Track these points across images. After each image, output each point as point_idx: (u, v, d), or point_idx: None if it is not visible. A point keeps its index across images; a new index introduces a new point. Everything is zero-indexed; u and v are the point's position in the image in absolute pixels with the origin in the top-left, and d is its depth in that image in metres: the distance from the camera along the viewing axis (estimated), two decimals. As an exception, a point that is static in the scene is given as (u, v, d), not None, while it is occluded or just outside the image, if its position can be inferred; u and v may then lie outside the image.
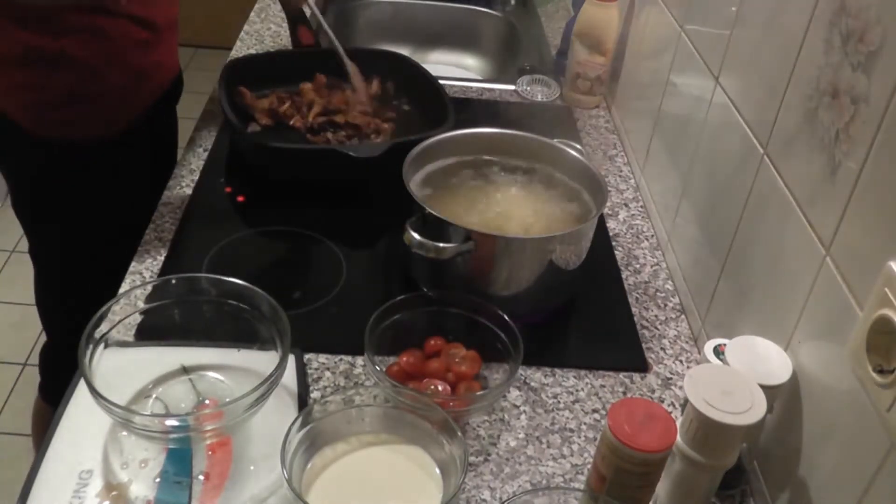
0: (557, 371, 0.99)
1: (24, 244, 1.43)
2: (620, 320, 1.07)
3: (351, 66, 1.40)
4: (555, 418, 0.93)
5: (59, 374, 1.42)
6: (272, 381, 0.81)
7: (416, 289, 1.03)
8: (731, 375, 0.76)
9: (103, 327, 0.85)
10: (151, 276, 1.05)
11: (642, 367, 1.00)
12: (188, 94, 1.54)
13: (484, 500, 0.83)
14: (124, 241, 1.15)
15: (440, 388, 0.89)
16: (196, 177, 1.25)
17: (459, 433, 0.78)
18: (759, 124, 0.91)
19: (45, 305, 1.44)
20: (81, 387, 0.84)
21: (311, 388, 0.93)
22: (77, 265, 1.35)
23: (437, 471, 0.80)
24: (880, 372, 0.64)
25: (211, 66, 1.45)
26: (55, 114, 1.21)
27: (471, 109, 1.48)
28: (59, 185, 1.28)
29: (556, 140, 1.13)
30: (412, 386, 0.87)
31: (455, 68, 1.89)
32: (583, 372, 0.99)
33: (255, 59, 1.44)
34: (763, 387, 0.74)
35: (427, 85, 1.38)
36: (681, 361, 1.02)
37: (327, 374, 0.95)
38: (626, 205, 1.30)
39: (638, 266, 1.17)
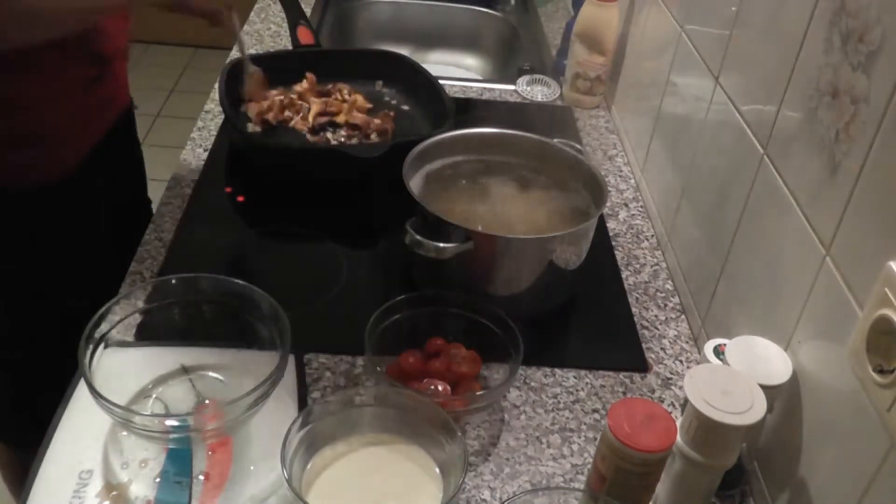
0: (557, 371, 0.99)
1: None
2: (620, 320, 1.07)
3: (254, 70, 1.32)
4: (555, 418, 0.93)
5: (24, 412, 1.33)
6: (272, 381, 0.81)
7: (416, 289, 1.03)
8: (731, 375, 0.76)
9: (103, 327, 0.85)
10: (151, 276, 1.05)
11: (642, 367, 1.00)
12: (188, 93, 1.54)
13: (484, 500, 0.83)
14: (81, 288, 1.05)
15: (440, 388, 0.89)
16: (196, 177, 1.25)
17: (459, 433, 0.78)
18: (759, 124, 0.91)
19: None
20: (81, 387, 0.84)
21: (311, 388, 0.93)
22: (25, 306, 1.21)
23: (437, 471, 0.80)
24: (880, 372, 0.64)
25: (211, 66, 1.45)
26: None
27: (471, 109, 1.48)
28: (10, 235, 1.15)
29: (556, 140, 1.13)
30: (412, 386, 0.87)
31: (455, 68, 1.89)
32: (583, 372, 0.99)
33: (255, 60, 1.44)
34: (763, 387, 0.74)
35: (427, 85, 1.38)
36: (681, 361, 1.02)
37: (327, 374, 0.95)
38: (626, 205, 1.30)
39: (638, 266, 1.17)
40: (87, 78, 1.14)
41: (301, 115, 1.33)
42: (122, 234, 1.24)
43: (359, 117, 1.32)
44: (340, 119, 1.32)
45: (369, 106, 1.37)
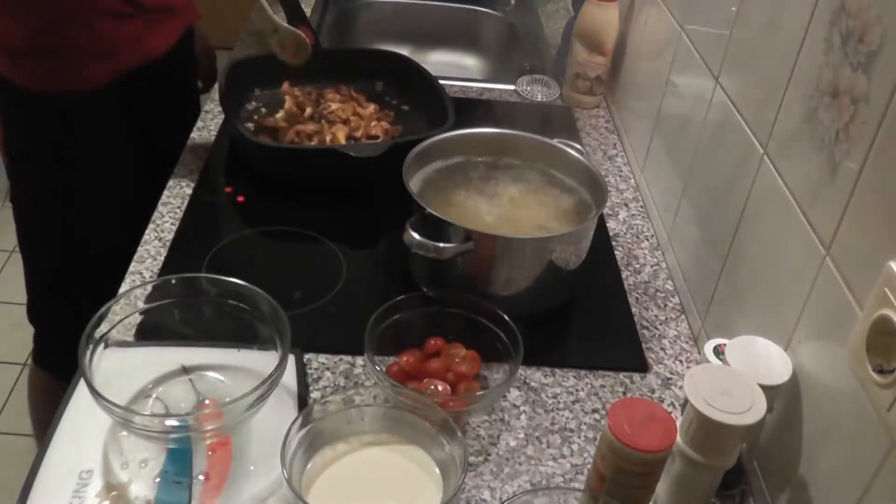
0: (557, 371, 0.99)
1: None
2: (620, 320, 1.07)
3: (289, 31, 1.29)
4: (555, 418, 0.93)
5: (52, 328, 1.42)
6: (272, 381, 0.81)
7: (416, 289, 1.03)
8: (731, 375, 0.76)
9: (103, 327, 0.85)
10: (151, 276, 1.05)
11: (642, 367, 1.00)
12: (188, 94, 1.54)
13: (484, 500, 0.83)
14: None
15: (440, 388, 0.89)
16: (196, 177, 1.25)
17: (459, 433, 0.78)
18: (759, 124, 0.91)
19: (28, 249, 1.41)
20: (81, 387, 0.84)
21: (311, 388, 0.93)
22: (60, 211, 1.34)
23: (437, 471, 0.80)
24: (880, 372, 0.64)
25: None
26: (22, 62, 1.21)
27: (471, 109, 1.48)
28: (40, 138, 1.28)
29: (556, 140, 1.13)
30: (412, 386, 0.87)
31: (455, 68, 1.89)
32: (583, 372, 0.99)
33: (255, 60, 1.44)
34: (763, 387, 0.74)
35: (427, 85, 1.38)
36: (681, 361, 1.02)
37: (327, 374, 0.95)
38: (626, 205, 1.30)
39: (638, 266, 1.17)
40: (116, 12, 1.21)
41: (329, 137, 1.29)
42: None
43: (378, 127, 1.31)
44: (359, 133, 1.31)
45: (375, 111, 1.37)
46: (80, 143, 1.28)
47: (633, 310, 1.09)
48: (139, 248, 1.10)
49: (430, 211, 0.97)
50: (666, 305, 1.11)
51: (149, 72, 1.31)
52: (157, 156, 1.35)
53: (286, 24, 1.28)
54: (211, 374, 0.90)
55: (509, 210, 1.06)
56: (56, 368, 1.42)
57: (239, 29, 1.73)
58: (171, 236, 1.12)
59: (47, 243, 1.36)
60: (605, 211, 1.27)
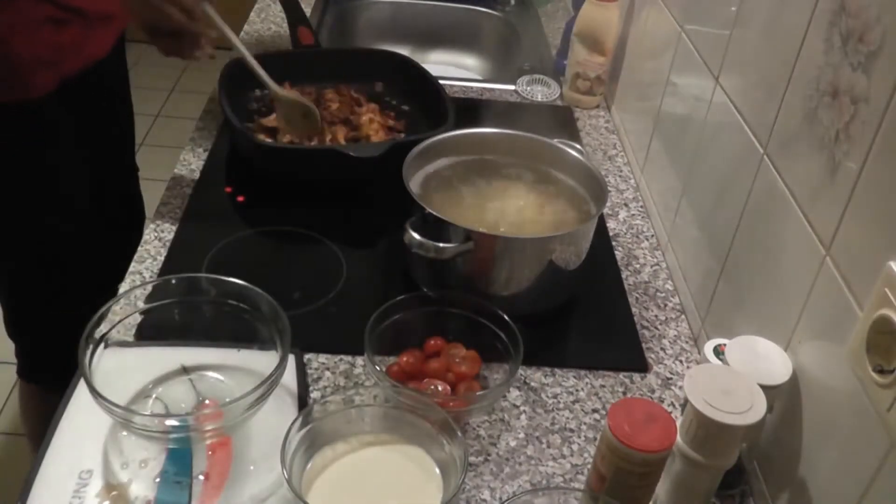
0: (557, 371, 0.99)
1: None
2: (620, 320, 1.07)
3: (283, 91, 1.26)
4: (555, 418, 0.93)
5: (34, 339, 1.43)
6: (272, 381, 0.81)
7: (416, 289, 1.03)
8: (731, 375, 0.76)
9: (103, 327, 0.85)
10: (151, 276, 1.05)
11: (642, 367, 1.00)
12: (188, 93, 1.54)
13: (484, 500, 0.83)
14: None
15: (440, 388, 0.89)
16: (196, 177, 1.25)
17: (459, 433, 0.78)
18: (759, 124, 0.91)
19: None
20: (81, 387, 0.84)
21: (311, 388, 0.93)
22: (23, 220, 1.32)
23: (437, 471, 0.80)
24: (880, 372, 0.64)
25: (211, 66, 1.45)
26: None
27: (471, 109, 1.48)
28: None
29: (556, 140, 1.13)
30: (412, 386, 0.87)
31: (455, 68, 1.89)
32: (583, 372, 0.99)
33: (255, 60, 1.44)
34: (763, 387, 0.74)
35: (427, 85, 1.38)
36: (681, 361, 1.02)
37: (327, 374, 0.95)
38: (626, 205, 1.30)
39: (638, 266, 1.17)
40: (52, 19, 1.19)
41: (329, 137, 1.29)
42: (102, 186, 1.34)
43: (378, 127, 1.31)
44: (359, 133, 1.31)
45: (375, 111, 1.37)
46: (33, 150, 1.27)
47: (633, 310, 1.09)
48: (139, 248, 1.10)
49: (430, 211, 0.97)
50: (666, 305, 1.11)
51: (90, 76, 1.30)
52: (106, 158, 1.36)
53: (286, 92, 1.26)
54: (211, 374, 0.90)
55: (509, 210, 1.06)
56: (44, 379, 1.42)
57: (238, 28, 1.72)
58: (171, 236, 1.12)
59: (17, 253, 1.34)
60: (605, 211, 1.27)
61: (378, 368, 0.86)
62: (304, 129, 1.25)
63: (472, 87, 1.60)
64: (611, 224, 1.25)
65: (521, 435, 0.90)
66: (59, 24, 1.21)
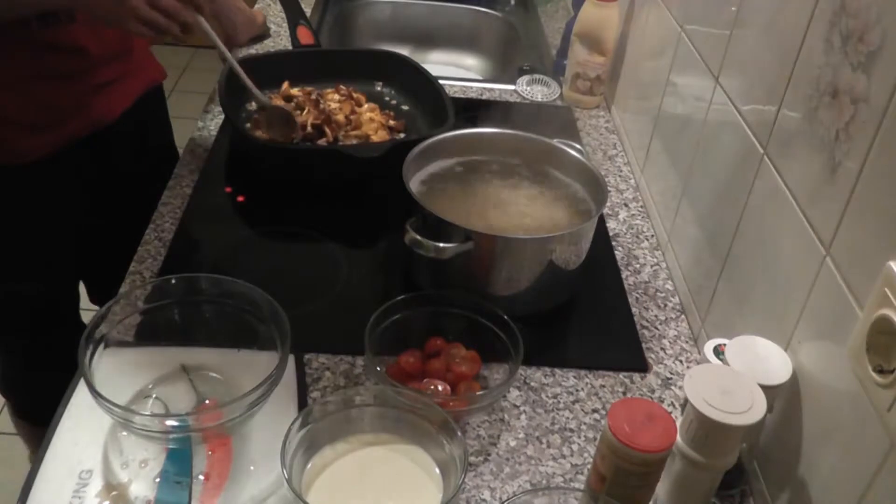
0: (557, 371, 0.99)
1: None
2: (620, 320, 1.07)
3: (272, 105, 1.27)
4: (555, 418, 0.93)
5: (29, 391, 1.41)
6: (272, 381, 0.81)
7: (416, 289, 1.03)
8: (731, 375, 0.76)
9: (103, 327, 0.85)
10: (151, 276, 1.05)
11: (642, 367, 1.00)
12: (188, 93, 1.54)
13: (484, 500, 0.83)
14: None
15: (440, 388, 0.89)
16: (196, 177, 1.25)
17: (459, 433, 0.78)
18: (759, 124, 0.91)
19: None
20: (81, 387, 0.84)
21: (311, 388, 0.93)
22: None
23: (437, 471, 0.80)
24: (880, 372, 0.64)
25: (211, 66, 1.45)
26: None
27: (471, 109, 1.48)
28: None
29: (556, 140, 1.13)
30: (412, 386, 0.87)
31: (455, 68, 1.89)
32: (583, 372, 0.99)
33: (255, 60, 1.44)
34: (763, 387, 0.74)
35: (427, 85, 1.38)
36: (681, 361, 1.02)
37: (327, 374, 0.95)
38: (626, 205, 1.30)
39: (638, 266, 1.17)
40: (59, 73, 1.15)
41: (325, 137, 1.29)
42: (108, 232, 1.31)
43: (378, 127, 1.31)
44: (359, 133, 1.31)
45: (375, 111, 1.37)
46: (14, 215, 1.22)
47: (633, 310, 1.09)
48: (139, 248, 1.10)
49: (430, 211, 0.97)
50: (666, 305, 1.11)
51: (98, 140, 1.25)
52: (119, 218, 1.30)
53: (271, 101, 1.27)
54: (211, 374, 0.90)
55: (509, 210, 1.06)
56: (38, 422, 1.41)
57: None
58: (171, 236, 1.12)
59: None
60: (605, 211, 1.27)
61: (378, 368, 0.86)
62: (284, 133, 1.26)
63: (472, 87, 1.60)
64: (611, 224, 1.25)
65: (521, 435, 0.90)
66: (60, 80, 1.15)
